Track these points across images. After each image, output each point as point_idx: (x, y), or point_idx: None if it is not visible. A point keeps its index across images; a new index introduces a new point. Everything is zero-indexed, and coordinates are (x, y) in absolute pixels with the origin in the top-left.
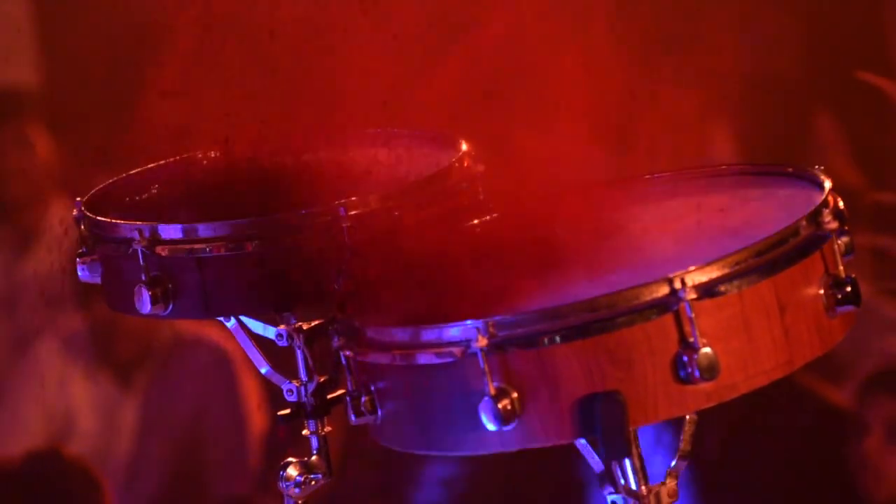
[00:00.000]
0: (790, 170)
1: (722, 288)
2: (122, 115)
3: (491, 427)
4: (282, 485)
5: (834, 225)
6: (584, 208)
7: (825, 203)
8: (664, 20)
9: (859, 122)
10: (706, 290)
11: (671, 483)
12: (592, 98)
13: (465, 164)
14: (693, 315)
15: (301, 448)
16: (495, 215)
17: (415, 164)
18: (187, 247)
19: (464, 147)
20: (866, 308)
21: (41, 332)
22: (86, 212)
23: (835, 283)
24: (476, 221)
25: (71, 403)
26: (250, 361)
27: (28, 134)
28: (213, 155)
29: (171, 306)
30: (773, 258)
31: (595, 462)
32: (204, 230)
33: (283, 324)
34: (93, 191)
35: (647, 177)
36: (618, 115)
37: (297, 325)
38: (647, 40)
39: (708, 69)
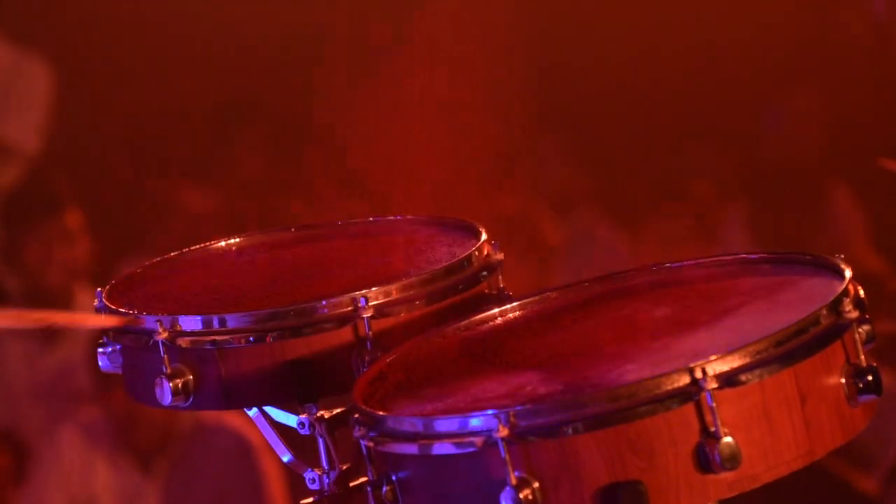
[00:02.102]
0: (810, 258)
1: (743, 377)
2: (144, 203)
3: None
4: None
5: (855, 314)
6: (603, 296)
7: (846, 292)
8: (683, 106)
9: (881, 208)
10: (727, 380)
11: None
12: (611, 184)
13: (486, 253)
14: (714, 405)
15: None
16: (515, 304)
17: (435, 253)
18: (208, 339)
19: (483, 235)
20: (890, 397)
21: (66, 420)
22: (107, 303)
23: (856, 373)
24: (496, 310)
25: (94, 490)
26: (272, 448)
27: (67, 225)
28: (234, 242)
29: (191, 398)
30: (793, 347)
31: None
32: (224, 321)
33: (304, 412)
34: (113, 281)
35: (668, 264)
36: (637, 201)
37: (318, 415)
38: (664, 125)
39: (729, 155)
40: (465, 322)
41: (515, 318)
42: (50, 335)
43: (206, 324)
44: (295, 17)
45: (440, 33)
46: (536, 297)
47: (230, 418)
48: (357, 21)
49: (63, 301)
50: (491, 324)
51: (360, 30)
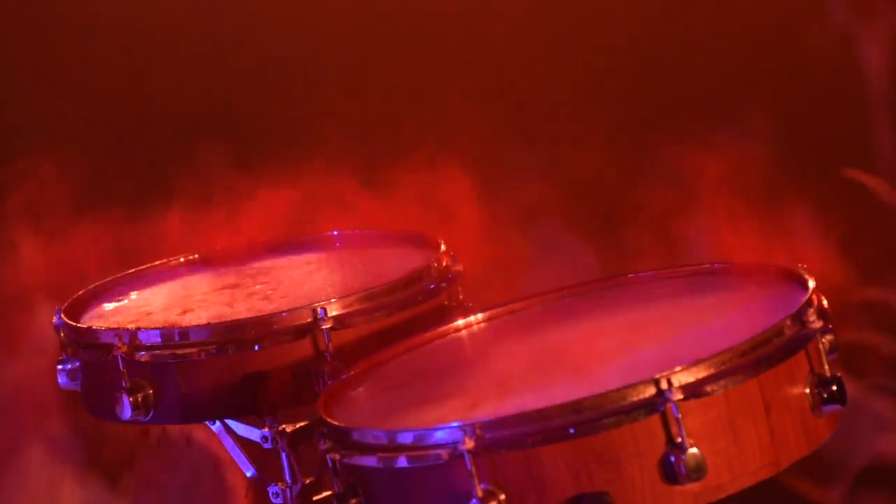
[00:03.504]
0: (773, 268)
1: (708, 388)
2: (110, 219)
3: None
4: None
5: (818, 324)
6: (569, 307)
7: (809, 302)
8: (641, 115)
9: (843, 218)
10: (693, 391)
11: None
12: (574, 196)
13: (445, 264)
14: (680, 415)
15: None
16: (479, 316)
17: (394, 265)
18: (167, 352)
19: (442, 247)
20: (854, 405)
21: (29, 436)
22: (65, 318)
23: (820, 382)
24: (461, 322)
25: None
26: (237, 462)
27: (13, 236)
28: (193, 258)
29: (151, 412)
30: (758, 358)
31: None
32: (183, 335)
33: (267, 426)
34: (72, 297)
35: (631, 275)
36: (599, 215)
37: (280, 429)
38: (626, 136)
39: (689, 165)
40: (429, 334)
41: (479, 330)
42: (11, 349)
43: (166, 337)
44: (258, 25)
45: (407, 46)
46: (500, 309)
47: (197, 433)
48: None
49: (22, 315)
50: (455, 335)
51: (331, 46)
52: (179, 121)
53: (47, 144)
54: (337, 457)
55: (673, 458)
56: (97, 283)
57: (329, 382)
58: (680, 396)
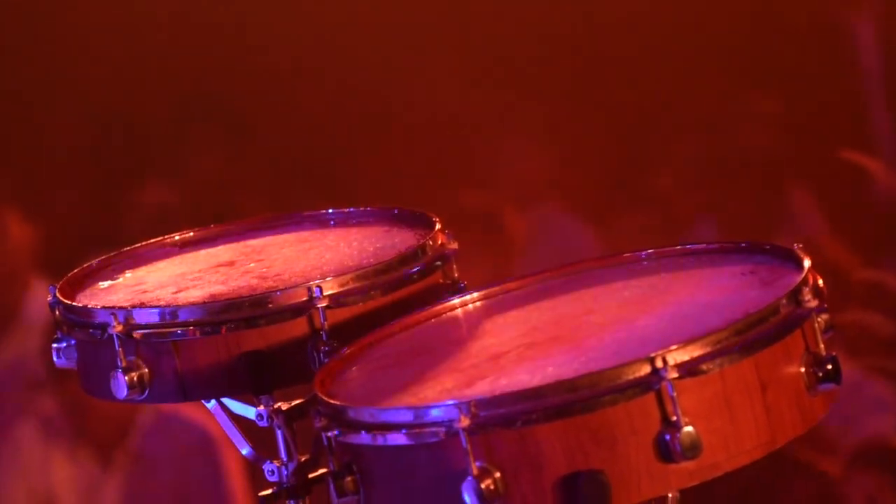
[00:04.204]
0: (769, 247)
1: (704, 367)
2: (101, 197)
3: None
4: None
5: (814, 303)
6: (565, 286)
7: (805, 281)
8: (646, 101)
9: (840, 199)
10: (688, 369)
11: None
12: (572, 175)
13: (440, 242)
14: (675, 394)
15: None
16: (474, 294)
17: (389, 243)
18: (163, 331)
19: (437, 225)
20: (852, 386)
21: (22, 414)
22: (60, 297)
23: (816, 362)
24: (456, 300)
25: (52, 484)
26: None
27: (3, 213)
28: (188, 236)
29: (147, 391)
30: (754, 336)
31: None
32: (178, 314)
33: (262, 404)
34: (67, 276)
35: (627, 254)
36: (600, 194)
37: (276, 406)
38: (629, 120)
39: (687, 147)
40: (424, 312)
41: (475, 309)
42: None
43: (161, 316)
44: (255, 7)
45: (403, 29)
46: (495, 288)
47: (190, 410)
48: (322, 13)
49: (15, 295)
50: (450, 314)
51: (322, 21)
52: (173, 100)
53: (43, 124)
54: (332, 435)
55: (668, 437)
56: (92, 262)
57: (325, 361)
58: (675, 375)
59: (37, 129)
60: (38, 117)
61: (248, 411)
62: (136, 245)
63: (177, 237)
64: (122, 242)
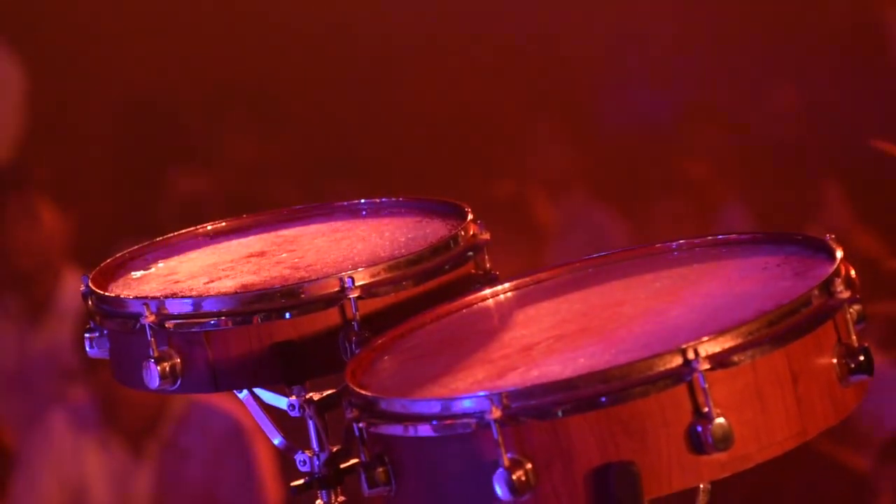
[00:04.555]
0: (801, 237)
1: (735, 358)
2: (134, 186)
3: (506, 498)
4: None
5: (846, 294)
6: (596, 277)
7: (837, 272)
8: (677, 90)
9: (872, 190)
10: (719, 361)
11: None
12: (605, 167)
13: (471, 233)
14: (707, 385)
15: None
16: (506, 285)
17: (421, 233)
18: (195, 321)
19: (469, 215)
20: (882, 376)
21: (54, 403)
22: (92, 287)
23: (847, 353)
24: (487, 291)
25: (84, 473)
26: (263, 430)
27: (34, 206)
28: (221, 226)
29: (179, 381)
30: (785, 328)
31: None
32: (211, 304)
33: (294, 394)
34: (100, 265)
35: (659, 245)
36: (631, 183)
37: (308, 396)
38: (658, 109)
39: (725, 137)
40: (456, 303)
41: (506, 300)
42: (35, 316)
43: (194, 306)
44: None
45: (434, 18)
46: (526, 279)
47: (222, 400)
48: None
49: (48, 284)
50: (482, 305)
51: (354, 12)
52: (205, 90)
53: (74, 113)
54: (364, 425)
55: (700, 428)
56: (124, 252)
57: (356, 351)
58: (707, 366)
59: (70, 120)
60: (72, 108)
61: (280, 401)
62: (169, 235)
63: (209, 227)
64: (155, 232)
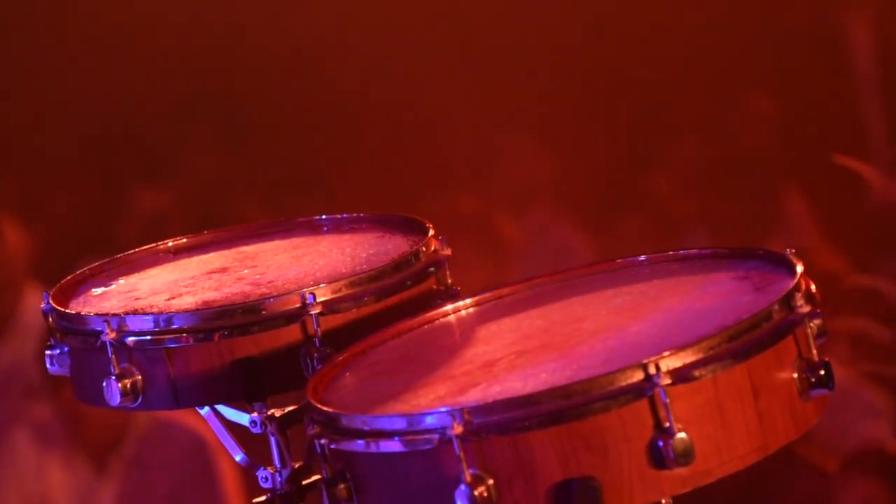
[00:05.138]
0: (761, 252)
1: (696, 373)
2: (96, 202)
3: None
4: None
5: (806, 308)
6: (557, 293)
7: (797, 286)
8: (639, 103)
9: (834, 204)
10: (681, 376)
11: None
12: (568, 182)
13: (433, 248)
14: (668, 400)
15: None
16: (468, 300)
17: (382, 249)
18: (156, 338)
19: (431, 231)
20: (845, 392)
21: (16, 420)
22: (53, 304)
23: (808, 367)
24: (449, 307)
25: (47, 490)
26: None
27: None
28: (182, 243)
29: (140, 398)
30: (746, 342)
31: None
32: (172, 320)
33: (255, 411)
34: (60, 282)
35: (619, 260)
36: (594, 199)
37: (270, 413)
38: (623, 124)
39: (682, 152)
40: (417, 319)
41: (467, 316)
42: None
43: (155, 323)
44: (252, 10)
45: (397, 32)
46: (488, 294)
47: (185, 417)
48: (315, 16)
49: (9, 300)
50: (443, 321)
51: (318, 24)
52: (168, 105)
53: (35, 129)
54: (325, 442)
55: (661, 443)
56: (85, 269)
57: (318, 367)
58: (668, 381)
59: (32, 136)
60: (34, 123)
61: (242, 418)
62: (130, 252)
63: (170, 244)
64: (118, 248)
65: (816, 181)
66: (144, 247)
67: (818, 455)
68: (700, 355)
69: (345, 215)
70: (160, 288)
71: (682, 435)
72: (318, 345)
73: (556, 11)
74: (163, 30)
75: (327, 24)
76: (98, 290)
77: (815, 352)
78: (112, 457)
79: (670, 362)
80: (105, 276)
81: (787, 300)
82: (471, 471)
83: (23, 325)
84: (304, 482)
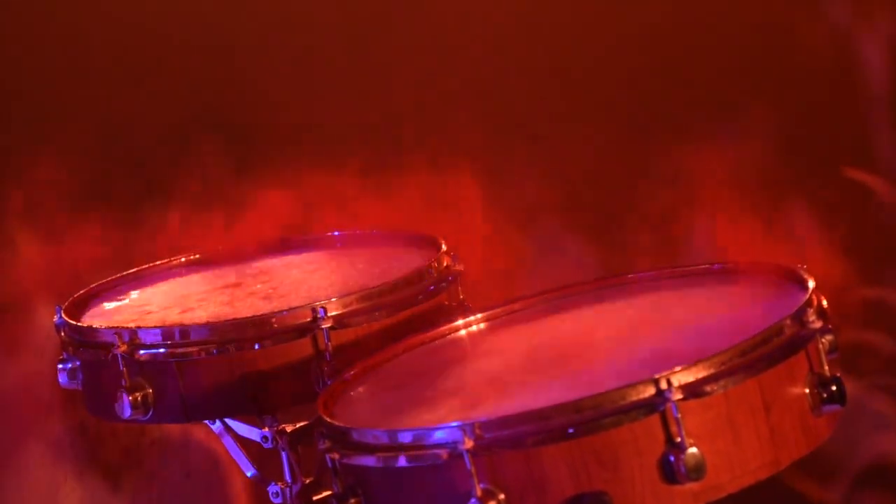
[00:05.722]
0: (773, 267)
1: (708, 388)
2: (110, 217)
3: None
4: None
5: (818, 324)
6: (569, 307)
7: (809, 302)
8: (642, 115)
9: (843, 217)
10: (692, 391)
11: None
12: (575, 196)
13: (445, 264)
14: (679, 415)
15: None
16: (479, 315)
17: (394, 264)
18: (167, 351)
19: (443, 247)
20: (855, 405)
21: (30, 436)
22: (66, 318)
23: (820, 383)
24: (460, 322)
25: None
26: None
27: (13, 237)
28: (194, 258)
29: (151, 411)
30: (758, 357)
31: None
32: (183, 334)
33: (267, 426)
34: (72, 297)
35: (631, 275)
36: (601, 215)
37: (280, 428)
38: (628, 137)
39: (690, 165)
40: (429, 333)
41: (478, 330)
42: (11, 349)
43: (166, 336)
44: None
45: (407, 46)
46: (499, 309)
47: (197, 432)
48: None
49: (22, 315)
50: (454, 335)
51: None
52: (178, 120)
53: (46, 144)
54: (336, 456)
55: (672, 458)
56: (98, 283)
57: (329, 382)
58: (679, 396)
59: (46, 148)
60: (48, 136)
61: (253, 433)
62: (142, 266)
63: (182, 259)
64: (129, 264)
65: (824, 194)
66: (157, 262)
67: (825, 470)
68: (712, 370)
69: (358, 231)
70: (172, 302)
71: (693, 450)
72: (328, 359)
73: (559, 29)
74: (175, 47)
75: (340, 43)
76: (111, 305)
77: (826, 367)
78: (125, 472)
79: (682, 377)
80: (117, 290)
81: (799, 315)
82: (482, 485)
83: (37, 340)
84: (315, 497)
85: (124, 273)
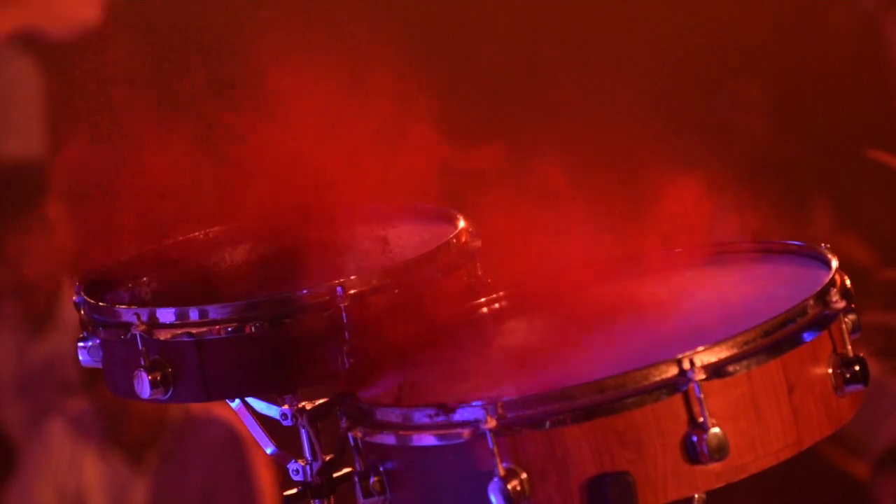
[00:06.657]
0: (797, 247)
1: (731, 368)
2: (124, 196)
3: None
4: None
5: (841, 304)
6: (591, 285)
7: (832, 282)
8: (673, 100)
9: (867, 199)
10: (715, 371)
11: None
12: (600, 175)
13: (464, 240)
14: (702, 395)
15: None
16: (500, 293)
17: (414, 241)
18: (186, 330)
19: (461, 223)
20: (877, 386)
21: (53, 412)
22: (85, 296)
23: (843, 363)
24: (483, 299)
25: (82, 483)
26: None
27: (46, 213)
28: (212, 235)
29: (171, 391)
30: (781, 337)
31: None
32: (202, 313)
33: (286, 404)
34: (92, 274)
35: (655, 254)
36: (626, 192)
37: (300, 406)
38: (655, 118)
39: (716, 147)
40: (449, 311)
41: (500, 308)
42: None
43: (184, 315)
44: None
45: (416, 24)
46: (520, 287)
47: (219, 410)
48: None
49: (49, 293)
50: (475, 313)
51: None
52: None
53: (74, 124)
54: (358, 435)
55: (695, 438)
56: (118, 260)
57: (349, 360)
58: (702, 376)
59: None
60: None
61: (273, 411)
62: (163, 243)
63: (201, 235)
64: (149, 241)
65: (848, 175)
66: (178, 238)
67: (848, 452)
68: (735, 350)
69: (375, 205)
70: (192, 280)
71: (716, 430)
72: (348, 337)
73: (587, 13)
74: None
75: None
76: (130, 283)
77: (849, 347)
78: (147, 450)
79: (705, 357)
80: (137, 267)
81: (822, 295)
82: (504, 464)
83: (62, 319)
84: (335, 475)
85: (144, 249)
